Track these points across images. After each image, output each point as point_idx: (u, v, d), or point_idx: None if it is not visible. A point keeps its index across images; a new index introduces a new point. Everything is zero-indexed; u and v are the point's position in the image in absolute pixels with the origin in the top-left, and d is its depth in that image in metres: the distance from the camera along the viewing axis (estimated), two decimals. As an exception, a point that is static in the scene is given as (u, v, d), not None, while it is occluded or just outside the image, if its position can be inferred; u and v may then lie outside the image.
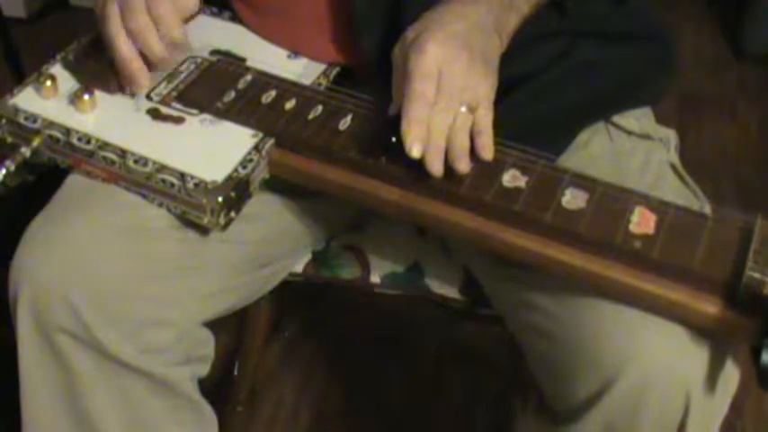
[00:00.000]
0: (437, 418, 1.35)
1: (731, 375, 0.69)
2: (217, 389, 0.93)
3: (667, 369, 0.66)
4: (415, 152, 0.67)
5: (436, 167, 0.68)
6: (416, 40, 0.69)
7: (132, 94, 0.80)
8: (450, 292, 0.97)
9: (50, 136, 0.77)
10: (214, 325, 0.85)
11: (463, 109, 0.68)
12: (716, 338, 0.66)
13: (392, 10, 0.78)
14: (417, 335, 1.46)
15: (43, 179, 0.81)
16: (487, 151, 0.70)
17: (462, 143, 0.69)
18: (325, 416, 1.35)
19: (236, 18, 0.91)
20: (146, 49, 0.77)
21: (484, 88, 0.70)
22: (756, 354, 0.59)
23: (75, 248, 0.73)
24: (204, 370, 0.85)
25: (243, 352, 1.17)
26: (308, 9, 0.84)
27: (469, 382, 1.39)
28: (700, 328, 0.65)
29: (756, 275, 0.61)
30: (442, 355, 1.44)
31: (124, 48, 0.77)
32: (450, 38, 0.69)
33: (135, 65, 0.77)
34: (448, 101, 0.68)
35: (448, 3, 0.72)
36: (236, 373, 1.19)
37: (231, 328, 1.15)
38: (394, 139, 0.69)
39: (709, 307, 0.63)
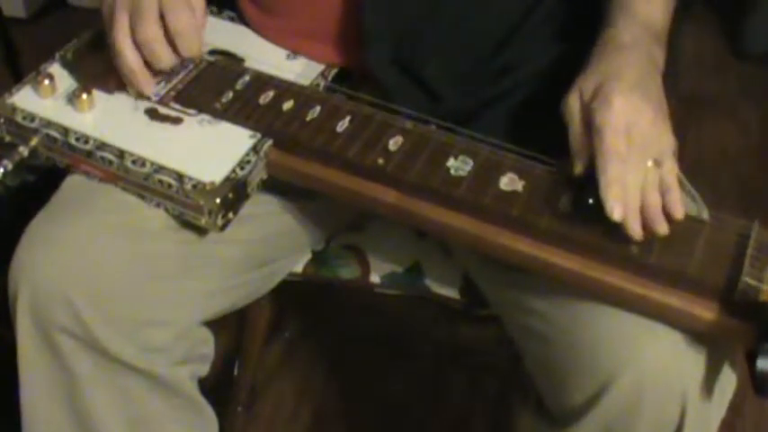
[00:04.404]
0: (437, 418, 1.35)
1: (729, 379, 0.70)
2: (217, 389, 0.93)
3: (664, 373, 0.66)
4: (617, 215, 0.63)
5: (637, 229, 0.64)
6: (600, 93, 0.66)
7: (135, 96, 0.80)
8: (450, 292, 0.97)
9: (48, 135, 0.77)
10: (214, 325, 0.85)
11: (650, 164, 0.65)
12: (713, 343, 0.66)
13: (400, 23, 0.79)
14: (417, 335, 1.46)
15: (43, 179, 0.81)
16: (678, 210, 0.65)
17: (656, 202, 0.65)
18: (325, 416, 1.35)
19: (235, 18, 0.91)
20: (154, 60, 0.77)
21: (667, 140, 0.67)
22: (751, 360, 0.58)
23: (75, 248, 0.73)
24: (204, 369, 0.85)
25: (243, 352, 1.17)
26: (315, 11, 0.84)
27: (469, 382, 1.39)
28: (696, 333, 0.66)
29: (752, 281, 0.61)
30: (442, 355, 1.44)
31: (131, 58, 0.76)
32: (633, 89, 0.66)
33: (140, 76, 0.77)
34: (639, 157, 0.65)
35: (610, 50, 0.70)
36: (236, 373, 1.19)
37: (231, 328, 1.15)
38: (591, 201, 0.65)
39: (705, 312, 0.63)
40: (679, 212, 0.65)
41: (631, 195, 0.64)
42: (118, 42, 0.76)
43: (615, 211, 0.63)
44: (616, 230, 0.64)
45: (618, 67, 0.68)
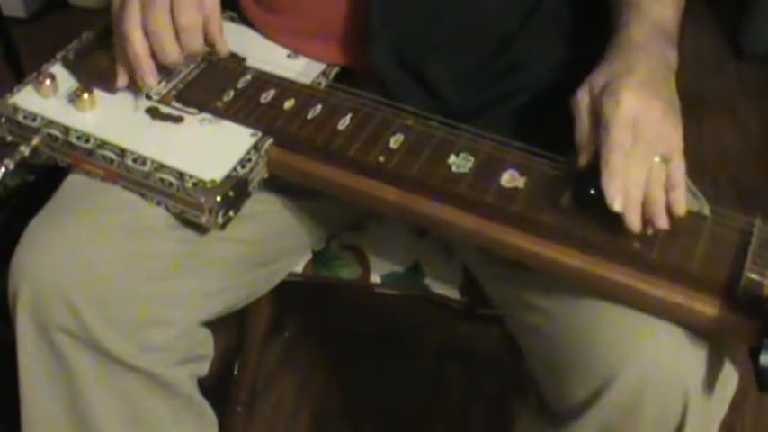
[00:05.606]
0: (437, 418, 1.35)
1: (730, 376, 0.69)
2: (217, 389, 0.93)
3: (665, 370, 0.66)
4: (618, 206, 0.63)
5: (635, 222, 0.64)
6: (609, 88, 0.67)
7: (138, 88, 0.80)
8: (451, 292, 0.97)
9: (49, 135, 0.77)
10: (214, 325, 0.85)
11: (657, 159, 0.65)
12: (714, 340, 0.66)
13: (405, 22, 0.79)
14: (417, 335, 1.46)
15: (43, 179, 0.81)
16: (680, 207, 0.66)
17: (659, 197, 0.65)
18: (326, 416, 1.35)
19: (235, 18, 0.91)
20: (160, 51, 0.77)
21: (677, 137, 0.67)
22: (755, 356, 0.58)
23: (75, 248, 0.73)
24: (203, 369, 0.85)
25: (243, 352, 1.17)
26: (319, 9, 0.84)
27: (469, 381, 1.39)
28: (698, 330, 0.65)
29: (755, 277, 0.61)
30: (442, 354, 1.44)
31: (139, 44, 0.76)
32: (642, 85, 0.67)
33: (146, 64, 0.77)
34: (644, 151, 0.65)
35: (622, 50, 0.71)
36: (236, 373, 1.19)
37: (231, 328, 1.15)
38: (593, 192, 0.65)
39: (708, 308, 0.63)
40: (680, 210, 0.66)
41: (633, 188, 0.64)
42: (127, 29, 0.76)
43: (616, 202, 0.63)
44: (616, 225, 0.65)
45: (629, 65, 0.69)
